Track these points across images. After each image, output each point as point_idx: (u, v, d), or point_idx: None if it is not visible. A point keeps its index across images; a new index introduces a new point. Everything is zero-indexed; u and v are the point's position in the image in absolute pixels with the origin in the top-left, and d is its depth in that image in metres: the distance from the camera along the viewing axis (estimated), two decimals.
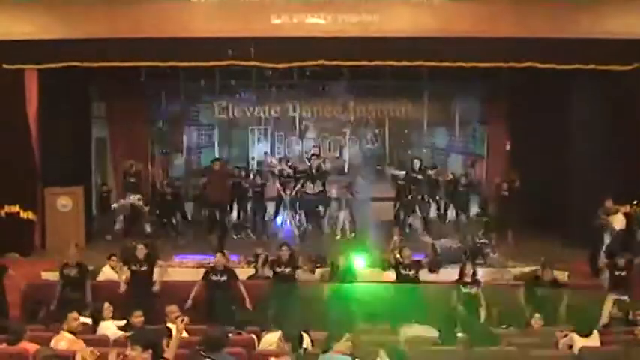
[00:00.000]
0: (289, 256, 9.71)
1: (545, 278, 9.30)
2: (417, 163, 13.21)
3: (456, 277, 9.48)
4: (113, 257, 10.44)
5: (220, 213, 12.95)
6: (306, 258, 10.83)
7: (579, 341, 7.23)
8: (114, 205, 13.46)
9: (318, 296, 9.63)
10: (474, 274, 9.54)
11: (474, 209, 14.41)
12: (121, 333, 7.39)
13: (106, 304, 8.00)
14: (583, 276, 10.64)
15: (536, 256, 10.35)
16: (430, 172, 13.42)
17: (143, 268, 9.47)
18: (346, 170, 16.41)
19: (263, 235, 13.54)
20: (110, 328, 7.67)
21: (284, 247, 9.76)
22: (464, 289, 9.31)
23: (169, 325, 7.29)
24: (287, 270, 9.61)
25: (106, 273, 10.30)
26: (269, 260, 9.90)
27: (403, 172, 13.08)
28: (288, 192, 13.54)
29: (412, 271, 9.60)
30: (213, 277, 9.45)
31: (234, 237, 13.38)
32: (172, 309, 7.85)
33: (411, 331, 7.64)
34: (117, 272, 10.06)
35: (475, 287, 9.30)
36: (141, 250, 9.52)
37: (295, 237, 12.66)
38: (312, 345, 6.88)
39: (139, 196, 13.39)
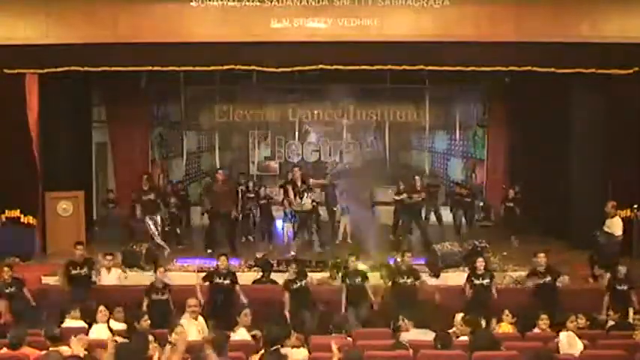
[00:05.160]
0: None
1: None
2: (417, 181, 12.87)
3: (458, 280, 9.46)
4: (108, 257, 10.46)
5: (226, 221, 12.71)
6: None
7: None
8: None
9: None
10: (486, 266, 9.56)
11: (475, 214, 14.46)
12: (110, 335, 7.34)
13: (101, 308, 7.96)
14: (583, 280, 10.64)
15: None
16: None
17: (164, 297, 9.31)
18: (346, 175, 16.43)
19: (265, 239, 13.60)
20: (102, 332, 7.62)
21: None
22: (476, 281, 9.33)
23: (183, 320, 7.30)
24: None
25: (104, 277, 10.36)
26: None
27: (404, 195, 12.81)
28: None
29: (410, 279, 9.50)
30: (217, 280, 9.48)
31: (243, 239, 13.44)
32: (192, 302, 7.86)
33: (410, 335, 7.63)
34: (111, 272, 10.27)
35: (488, 279, 9.34)
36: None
37: (296, 242, 12.62)
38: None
39: (158, 217, 12.64)
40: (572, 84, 12.52)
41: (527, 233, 13.19)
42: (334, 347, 6.39)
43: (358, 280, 9.47)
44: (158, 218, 12.56)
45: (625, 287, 9.23)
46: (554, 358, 6.52)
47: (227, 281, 9.45)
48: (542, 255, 9.42)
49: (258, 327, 7.62)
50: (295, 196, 12.41)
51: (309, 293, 9.48)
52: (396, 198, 13.10)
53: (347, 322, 8.76)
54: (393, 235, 13.17)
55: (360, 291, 9.42)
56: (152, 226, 12.38)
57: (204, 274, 9.83)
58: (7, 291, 9.14)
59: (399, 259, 10.05)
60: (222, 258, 9.69)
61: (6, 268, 9.34)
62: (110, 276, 10.43)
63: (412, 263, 9.81)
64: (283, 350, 6.18)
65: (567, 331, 7.44)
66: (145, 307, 8.81)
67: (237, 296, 9.37)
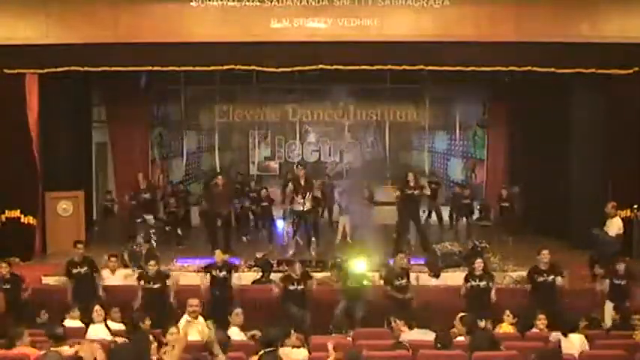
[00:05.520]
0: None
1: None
2: (411, 177, 12.52)
3: (458, 280, 9.42)
4: (112, 258, 10.46)
5: (224, 221, 12.61)
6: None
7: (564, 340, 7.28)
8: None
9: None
10: (485, 268, 9.52)
11: (474, 214, 14.45)
12: (109, 337, 7.32)
13: (97, 307, 7.94)
14: (583, 280, 10.63)
15: (535, 260, 10.29)
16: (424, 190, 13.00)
17: (156, 286, 9.25)
18: (345, 174, 16.45)
19: (265, 239, 13.60)
20: (99, 331, 7.61)
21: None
22: (472, 283, 9.29)
23: (184, 318, 7.33)
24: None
25: (108, 278, 10.33)
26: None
27: (398, 193, 12.73)
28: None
29: (404, 281, 9.47)
30: (213, 273, 9.57)
31: (244, 239, 13.53)
32: (193, 302, 7.82)
33: (410, 335, 7.62)
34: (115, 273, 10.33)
35: (485, 281, 9.28)
36: (152, 268, 9.35)
37: (295, 242, 12.60)
38: None
39: (151, 216, 12.88)
40: (572, 84, 12.53)
41: (522, 233, 13.18)
42: (330, 347, 6.40)
43: (358, 281, 9.48)
44: (150, 217, 12.64)
45: (623, 282, 9.26)
46: (562, 358, 6.50)
47: (222, 273, 9.51)
48: (545, 252, 9.34)
49: (258, 327, 7.62)
50: (297, 194, 12.39)
51: (303, 298, 9.43)
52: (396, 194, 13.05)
53: (345, 322, 8.79)
54: (395, 234, 13.13)
55: (360, 292, 9.41)
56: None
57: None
58: (4, 287, 9.14)
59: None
60: (217, 252, 9.89)
61: (4, 264, 9.34)
62: (115, 276, 10.45)
63: (405, 264, 9.82)
64: (283, 350, 6.18)
65: (579, 333, 7.44)
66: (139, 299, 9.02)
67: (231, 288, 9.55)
